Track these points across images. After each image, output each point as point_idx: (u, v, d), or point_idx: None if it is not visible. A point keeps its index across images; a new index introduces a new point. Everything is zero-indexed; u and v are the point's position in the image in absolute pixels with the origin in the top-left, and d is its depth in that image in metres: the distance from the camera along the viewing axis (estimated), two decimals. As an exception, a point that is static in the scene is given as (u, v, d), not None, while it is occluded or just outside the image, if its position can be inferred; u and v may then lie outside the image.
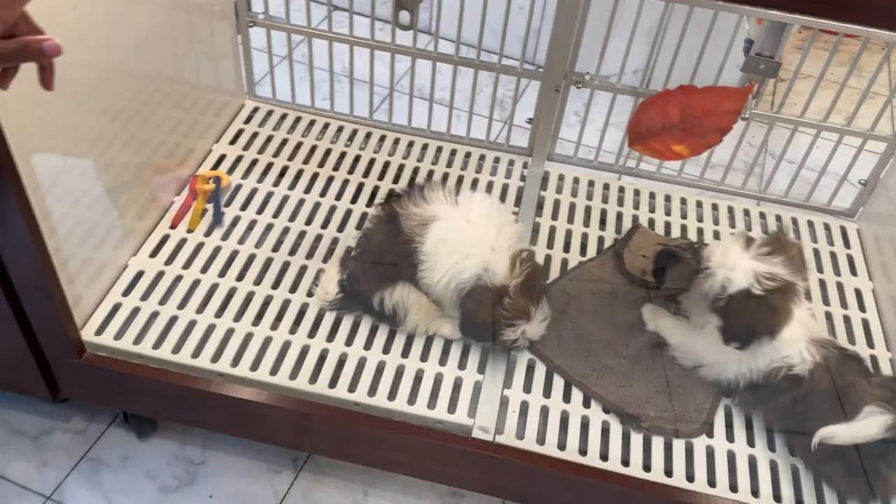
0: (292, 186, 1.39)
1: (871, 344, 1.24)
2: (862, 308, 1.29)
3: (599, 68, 1.37)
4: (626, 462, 1.06)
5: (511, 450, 1.05)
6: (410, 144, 1.51)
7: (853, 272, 1.36)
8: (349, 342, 1.16)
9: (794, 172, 1.44)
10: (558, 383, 1.14)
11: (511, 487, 1.11)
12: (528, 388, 1.13)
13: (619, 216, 1.42)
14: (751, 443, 1.09)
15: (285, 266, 1.25)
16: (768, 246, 1.05)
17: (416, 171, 1.46)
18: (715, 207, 1.45)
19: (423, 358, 1.15)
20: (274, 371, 1.10)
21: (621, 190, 1.47)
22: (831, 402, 1.02)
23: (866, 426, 0.94)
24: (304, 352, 1.14)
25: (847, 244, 1.41)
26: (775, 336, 1.02)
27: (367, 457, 1.13)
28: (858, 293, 1.32)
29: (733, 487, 1.04)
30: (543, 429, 1.08)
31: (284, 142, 1.48)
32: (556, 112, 1.42)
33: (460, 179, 1.45)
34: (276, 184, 1.39)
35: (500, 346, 1.12)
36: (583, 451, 1.06)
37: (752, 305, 1.01)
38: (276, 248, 1.27)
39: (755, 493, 1.04)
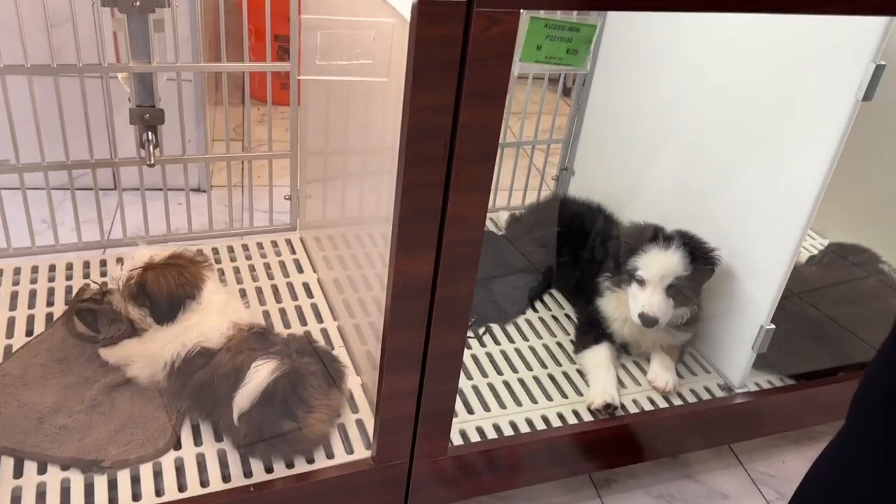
0: None
1: (320, 320, 1.41)
2: (311, 296, 1.47)
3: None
4: (89, 505, 1.02)
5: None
6: None
7: (300, 271, 1.54)
8: None
9: (229, 206, 1.60)
10: (7, 462, 1.06)
11: None
12: (-34, 481, 1.02)
13: (69, 289, 1.40)
14: (219, 439, 1.14)
15: None
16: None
17: None
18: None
19: None
20: None
21: (69, 266, 1.45)
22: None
23: (256, 376, 1.05)
24: None
25: (293, 251, 1.60)
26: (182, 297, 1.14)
27: None
28: (307, 286, 1.50)
29: (204, 483, 1.07)
30: (-11, 514, 0.99)
31: None
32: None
33: None
34: None
35: None
36: (38, 517, 0.99)
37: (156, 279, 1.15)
38: None
39: (226, 479, 1.08)
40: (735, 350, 1.36)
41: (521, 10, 0.79)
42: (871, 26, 1.06)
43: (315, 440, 1.10)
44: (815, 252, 1.70)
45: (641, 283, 1.29)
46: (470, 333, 1.44)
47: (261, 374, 1.03)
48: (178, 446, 1.12)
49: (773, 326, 1.29)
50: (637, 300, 1.29)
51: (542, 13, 0.80)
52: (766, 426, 1.43)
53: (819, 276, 1.57)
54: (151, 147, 1.42)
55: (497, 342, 1.43)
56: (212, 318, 1.14)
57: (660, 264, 1.28)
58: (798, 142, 1.20)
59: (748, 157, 1.31)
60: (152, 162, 1.42)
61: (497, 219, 1.83)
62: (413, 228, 0.91)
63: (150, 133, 1.42)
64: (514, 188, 1.84)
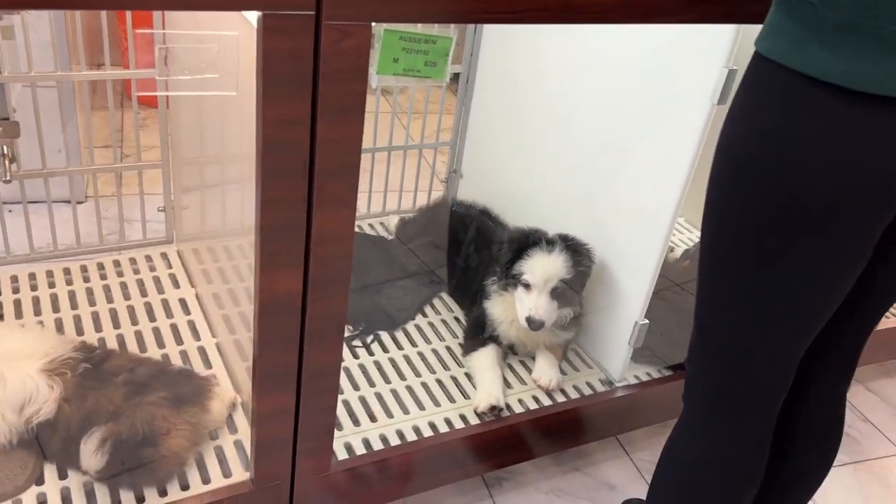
0: None
1: (197, 337, 1.36)
2: (188, 312, 1.42)
3: None
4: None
5: None
6: None
7: (177, 286, 1.48)
8: None
9: (98, 221, 1.52)
10: None
11: None
12: None
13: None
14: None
15: None
16: None
17: None
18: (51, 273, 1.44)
19: None
20: None
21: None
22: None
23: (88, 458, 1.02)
24: None
25: (170, 265, 1.54)
26: None
27: None
28: (184, 302, 1.44)
29: (69, 519, 1.01)
30: None
31: None
32: None
33: None
34: None
35: None
36: None
37: None
38: None
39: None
40: (613, 345, 1.40)
41: (373, 23, 0.77)
42: (722, 34, 1.11)
43: (179, 462, 1.06)
44: (689, 245, 1.77)
45: (527, 286, 1.30)
46: (358, 343, 1.42)
47: (90, 457, 1.00)
48: (40, 481, 1.05)
49: (647, 322, 1.33)
50: (524, 304, 1.31)
51: (397, 26, 0.79)
52: (647, 416, 1.48)
53: (692, 268, 1.64)
54: (7, 162, 1.33)
55: (385, 350, 1.42)
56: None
57: (544, 268, 1.30)
58: (662, 144, 1.24)
59: (620, 158, 1.35)
60: (8, 178, 1.33)
61: (387, 223, 1.81)
62: (276, 245, 0.89)
63: (4, 147, 1.32)
64: (403, 190, 1.84)
